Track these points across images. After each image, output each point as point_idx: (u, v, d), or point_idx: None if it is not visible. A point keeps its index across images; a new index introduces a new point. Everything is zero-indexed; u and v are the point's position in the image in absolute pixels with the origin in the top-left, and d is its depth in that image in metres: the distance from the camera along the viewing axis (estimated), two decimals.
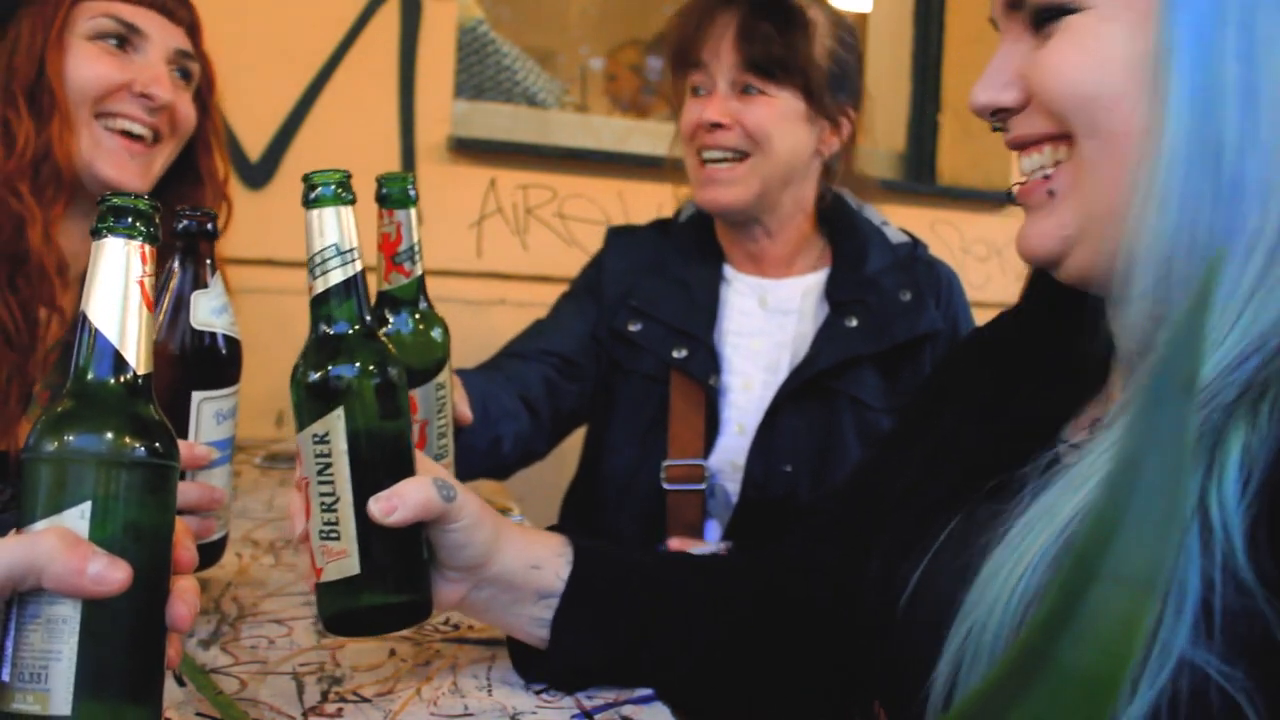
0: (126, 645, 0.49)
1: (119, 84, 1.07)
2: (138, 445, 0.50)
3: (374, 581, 0.64)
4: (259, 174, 1.86)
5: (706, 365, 1.26)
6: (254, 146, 1.85)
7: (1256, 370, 0.51)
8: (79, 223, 1.09)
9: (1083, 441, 0.62)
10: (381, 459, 0.65)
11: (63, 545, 0.47)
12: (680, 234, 1.38)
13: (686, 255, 1.35)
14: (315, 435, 0.64)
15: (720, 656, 0.77)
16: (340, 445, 0.63)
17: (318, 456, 0.64)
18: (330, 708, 0.67)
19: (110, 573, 0.47)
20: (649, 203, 2.01)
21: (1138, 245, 0.55)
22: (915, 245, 1.35)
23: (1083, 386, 0.67)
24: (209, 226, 0.80)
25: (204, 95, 1.19)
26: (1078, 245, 0.61)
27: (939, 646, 0.58)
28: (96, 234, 0.52)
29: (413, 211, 0.82)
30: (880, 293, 1.26)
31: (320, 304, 0.65)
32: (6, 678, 0.48)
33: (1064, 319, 0.69)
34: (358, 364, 0.64)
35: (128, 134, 1.08)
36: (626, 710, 0.70)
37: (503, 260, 2.04)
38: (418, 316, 0.84)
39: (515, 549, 0.71)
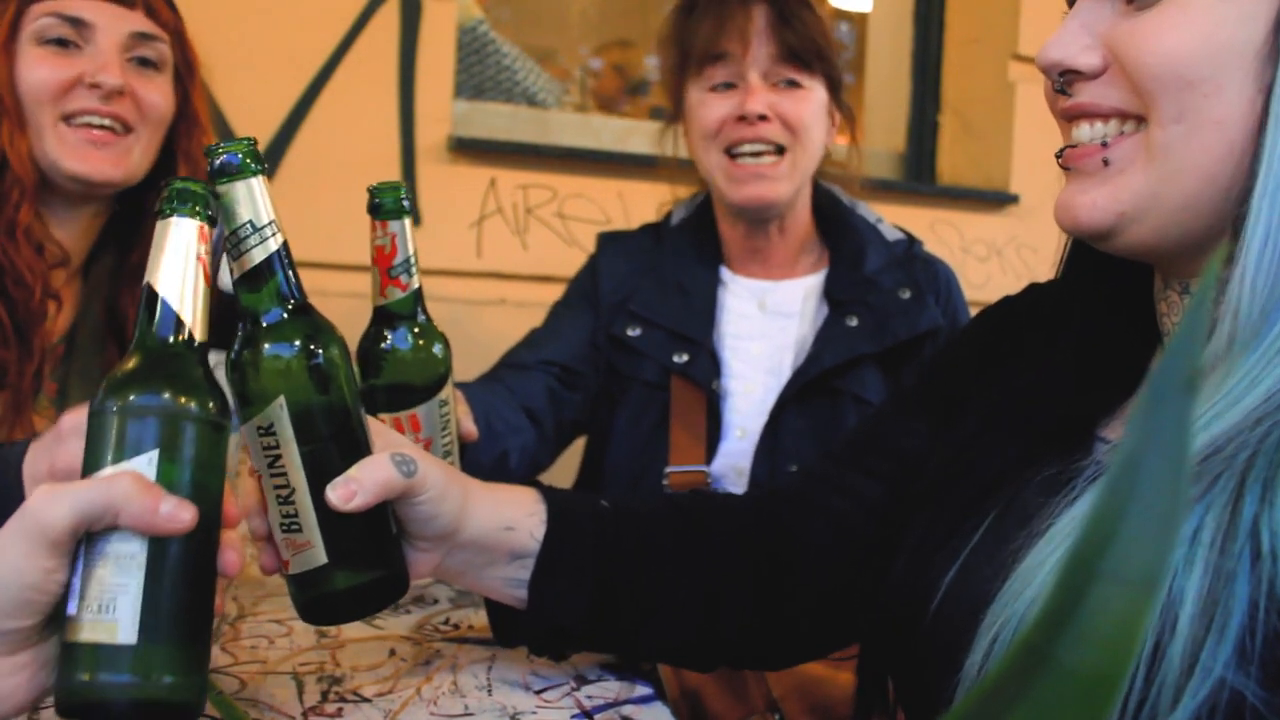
0: (186, 583, 0.53)
1: (68, 81, 1.04)
2: (200, 403, 0.55)
3: (343, 568, 0.62)
4: None
5: (708, 370, 1.24)
6: None
7: None
8: (71, 217, 1.09)
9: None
10: (332, 441, 0.61)
11: (138, 486, 0.51)
12: (674, 237, 1.35)
13: (682, 258, 1.32)
14: (259, 428, 0.60)
15: (714, 611, 0.75)
16: (287, 434, 0.60)
17: (266, 450, 0.61)
18: (330, 708, 0.67)
19: (179, 513, 0.51)
20: (649, 203, 2.01)
21: (1245, 249, 0.52)
22: (911, 243, 1.34)
23: (1122, 377, 0.65)
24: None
25: (184, 79, 1.15)
26: (1134, 223, 0.58)
27: (966, 647, 0.57)
28: (161, 214, 0.56)
29: (407, 222, 0.78)
30: (880, 291, 1.25)
31: (244, 286, 0.61)
32: (74, 611, 0.51)
33: (1106, 296, 0.66)
34: (293, 344, 0.61)
35: (89, 126, 1.06)
36: (626, 710, 0.70)
37: (503, 260, 2.04)
38: (417, 331, 0.81)
39: (486, 512, 0.69)
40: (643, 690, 0.74)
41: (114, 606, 0.51)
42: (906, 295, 1.25)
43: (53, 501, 0.50)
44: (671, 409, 1.24)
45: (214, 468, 0.55)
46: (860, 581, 0.76)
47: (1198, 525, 0.50)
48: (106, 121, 1.06)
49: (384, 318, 0.80)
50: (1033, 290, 0.78)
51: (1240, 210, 0.54)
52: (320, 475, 0.60)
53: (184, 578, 0.53)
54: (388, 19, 1.94)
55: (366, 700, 0.69)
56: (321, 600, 0.63)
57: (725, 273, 1.32)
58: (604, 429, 1.31)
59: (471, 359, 1.31)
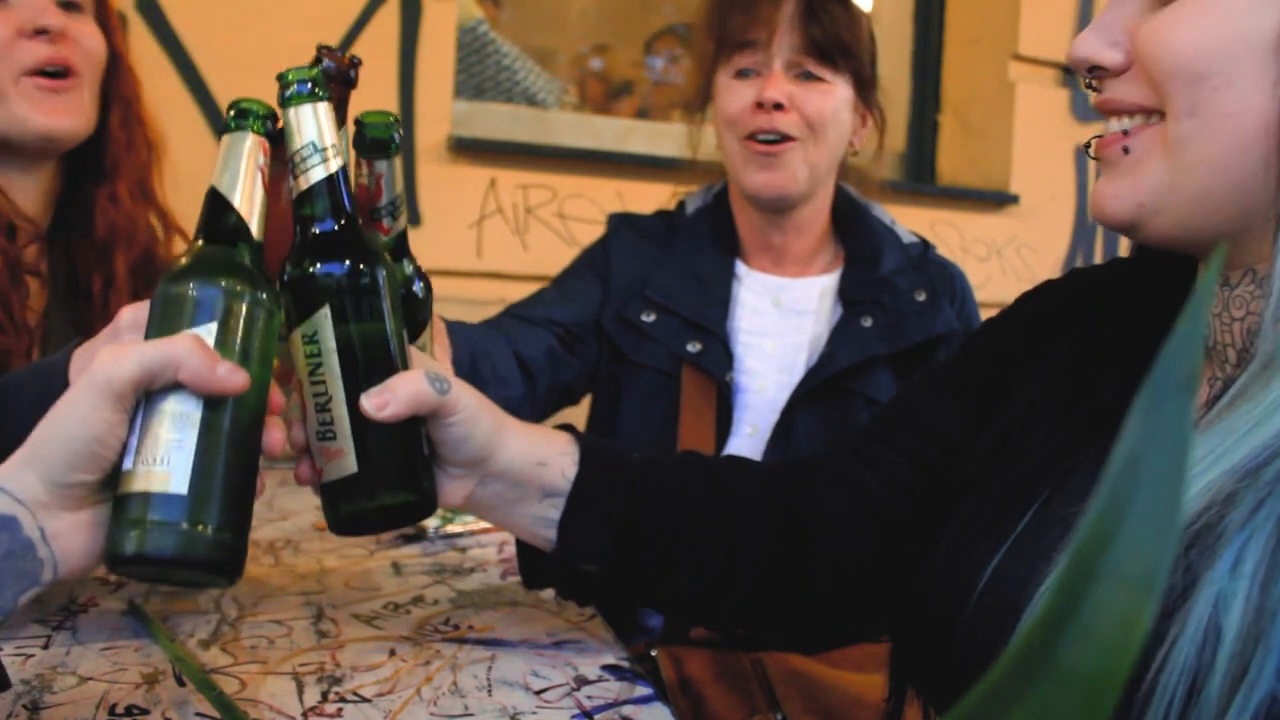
0: (235, 447, 0.57)
1: (8, 35, 1.02)
2: (254, 287, 0.60)
3: (373, 479, 0.64)
4: None
5: (722, 361, 1.23)
6: None
7: None
8: (30, 182, 1.07)
9: None
10: (372, 355, 0.64)
11: (198, 346, 0.55)
12: (691, 225, 1.34)
13: (698, 247, 1.31)
14: (304, 335, 0.64)
15: (732, 566, 0.75)
16: (329, 344, 0.64)
17: (309, 357, 0.64)
18: (330, 708, 0.67)
19: (234, 375, 0.56)
20: (648, 203, 2.00)
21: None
22: (926, 246, 1.34)
23: None
24: (351, 73, 0.74)
25: (104, 20, 1.13)
26: (1155, 215, 0.58)
27: (1008, 638, 0.56)
28: (226, 129, 0.63)
29: (397, 161, 0.74)
30: (895, 293, 1.25)
31: (303, 202, 0.65)
32: (129, 465, 0.55)
33: (1151, 285, 0.66)
34: (343, 261, 0.64)
35: (45, 75, 1.04)
36: (626, 710, 0.70)
37: (503, 260, 2.04)
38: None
39: (520, 444, 0.70)
40: (643, 690, 0.74)
41: (169, 459, 0.55)
42: (922, 298, 1.25)
43: (118, 357, 0.54)
44: (682, 399, 1.23)
45: (264, 351, 0.60)
46: (879, 557, 0.76)
47: (1238, 556, 0.48)
48: (60, 68, 1.05)
49: None
50: (1075, 276, 0.77)
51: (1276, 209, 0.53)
52: (357, 386, 0.63)
53: (234, 442, 0.57)
54: (388, 19, 1.94)
55: (366, 700, 0.69)
56: (352, 514, 0.65)
57: (740, 267, 1.31)
58: (609, 415, 1.29)
59: None
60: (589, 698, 0.72)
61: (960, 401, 0.76)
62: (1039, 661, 0.19)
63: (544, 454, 0.72)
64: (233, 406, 0.57)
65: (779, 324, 1.28)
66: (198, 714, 0.65)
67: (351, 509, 0.65)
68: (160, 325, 0.58)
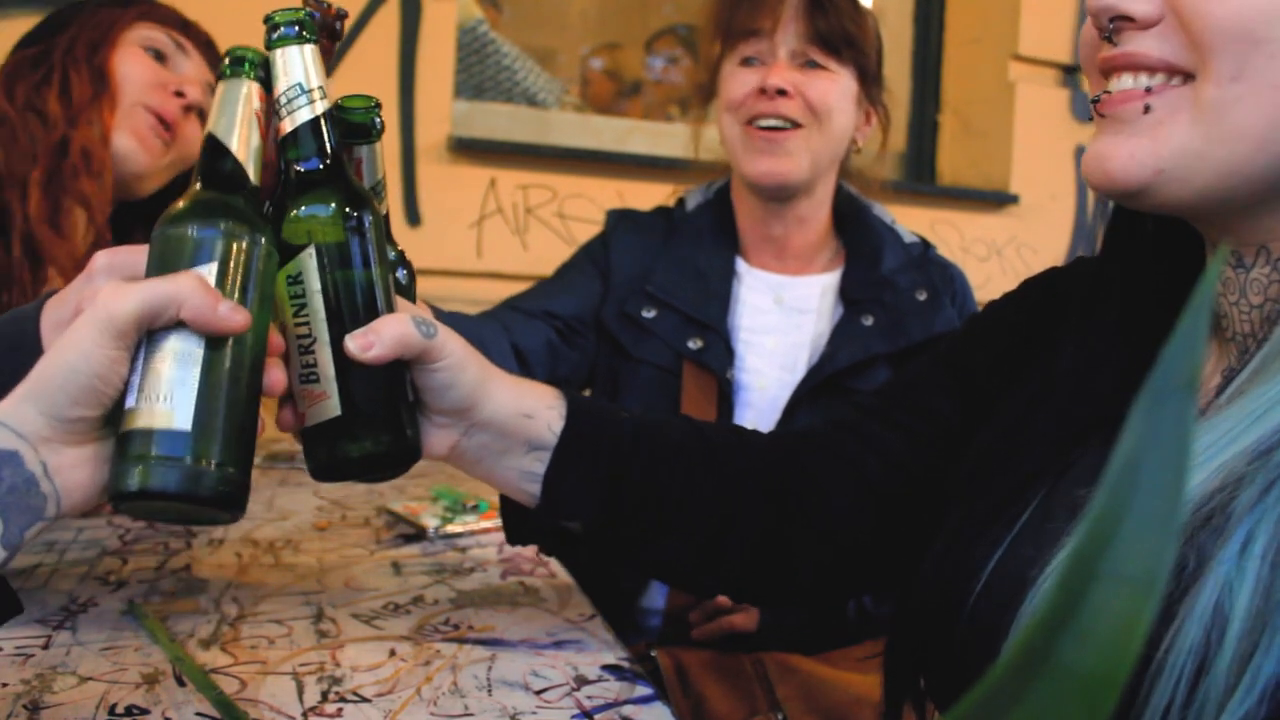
0: (236, 385, 0.58)
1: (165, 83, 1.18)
2: (253, 229, 0.60)
3: (356, 423, 0.63)
4: None
5: (723, 358, 1.23)
6: None
7: None
8: None
9: None
10: (357, 297, 0.64)
11: (200, 284, 0.56)
12: (691, 221, 1.34)
13: (699, 243, 1.31)
14: (289, 277, 0.64)
15: (722, 534, 0.75)
16: (314, 285, 0.63)
17: (293, 299, 0.64)
18: (330, 708, 0.67)
19: (235, 314, 0.56)
20: (649, 203, 2.00)
21: None
22: (926, 246, 1.34)
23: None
24: (336, 25, 0.75)
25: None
26: (1174, 182, 0.54)
27: (1007, 635, 0.55)
28: (222, 75, 0.64)
29: (378, 146, 0.73)
30: (896, 292, 1.25)
31: (289, 145, 0.65)
32: (132, 403, 0.55)
33: (1152, 273, 0.64)
34: (329, 203, 0.64)
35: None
36: (626, 710, 0.70)
37: (503, 260, 2.04)
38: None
39: (506, 395, 0.69)
40: (643, 690, 0.74)
41: (171, 396, 0.55)
42: (923, 297, 1.25)
43: (121, 293, 0.54)
44: (683, 396, 1.23)
45: (263, 292, 0.60)
46: (874, 535, 0.75)
47: (1247, 537, 0.47)
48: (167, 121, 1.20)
49: None
50: (1081, 264, 0.75)
51: None
52: (341, 328, 0.63)
53: (235, 379, 0.57)
54: (388, 19, 1.94)
55: (366, 700, 0.69)
56: (334, 459, 0.65)
57: (741, 264, 1.31)
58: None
59: None
60: (589, 698, 0.71)
61: (960, 384, 0.75)
62: (1039, 661, 0.19)
63: (531, 406, 0.71)
64: (234, 345, 0.57)
65: (780, 322, 1.28)
66: (198, 714, 0.65)
67: (334, 454, 0.64)
68: (160, 266, 0.58)
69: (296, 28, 0.64)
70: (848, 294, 1.26)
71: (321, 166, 0.65)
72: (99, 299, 0.55)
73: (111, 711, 0.64)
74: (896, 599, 0.72)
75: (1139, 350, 0.61)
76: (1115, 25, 0.56)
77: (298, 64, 0.64)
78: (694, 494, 0.75)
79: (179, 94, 1.19)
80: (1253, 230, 0.56)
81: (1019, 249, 2.54)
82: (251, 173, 0.63)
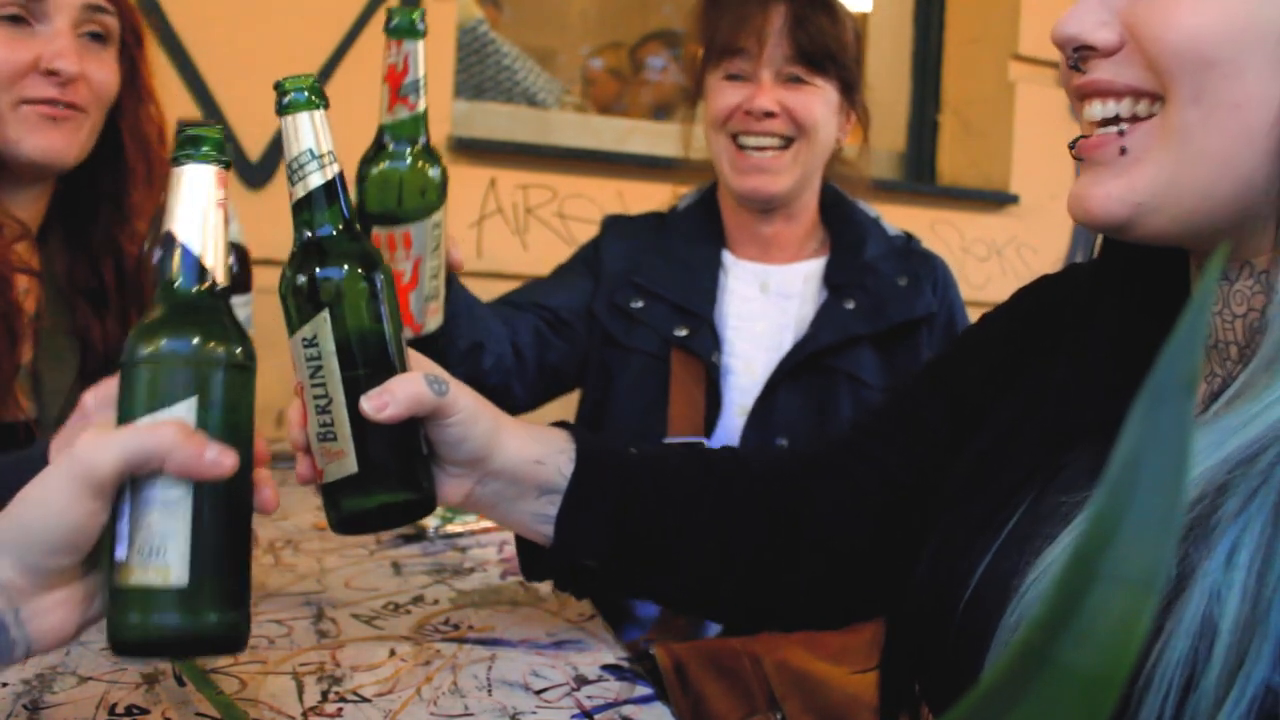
0: (230, 523, 0.55)
1: (24, 65, 1.00)
2: (230, 349, 0.56)
3: (373, 479, 0.66)
4: (259, 174, 1.86)
5: (708, 343, 1.28)
6: (254, 146, 1.85)
7: None
8: (21, 194, 1.06)
9: None
10: (371, 358, 0.66)
11: (183, 434, 0.52)
12: (680, 220, 1.40)
13: (687, 239, 1.37)
14: (304, 339, 0.65)
15: (726, 560, 0.77)
16: (329, 347, 0.65)
17: (308, 360, 0.65)
18: (330, 708, 0.67)
19: (223, 458, 0.53)
20: (649, 203, 2.00)
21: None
22: (910, 238, 1.39)
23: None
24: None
25: (130, 50, 1.11)
26: (1153, 214, 0.55)
27: (995, 634, 0.56)
28: (177, 162, 0.57)
29: (421, 44, 0.83)
30: (878, 277, 1.29)
31: (302, 209, 0.66)
32: (123, 556, 0.53)
33: (1143, 284, 0.64)
34: (342, 266, 0.65)
35: (44, 102, 1.02)
36: (626, 710, 0.70)
37: (503, 260, 2.04)
38: (417, 151, 0.86)
39: (517, 443, 0.72)
40: (643, 690, 0.74)
41: (164, 550, 0.53)
42: (904, 282, 1.30)
43: (100, 446, 0.51)
44: (671, 381, 1.28)
45: (246, 409, 0.58)
46: (872, 549, 0.76)
47: (1233, 547, 0.47)
48: (60, 104, 1.03)
49: (388, 136, 0.86)
50: (1073, 271, 0.76)
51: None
52: (356, 388, 0.65)
53: (228, 518, 0.55)
54: None
55: (366, 700, 0.69)
56: (352, 513, 0.67)
57: (728, 257, 1.36)
58: (602, 399, 1.33)
59: None
60: (589, 698, 0.71)
61: (954, 398, 0.76)
62: (1039, 661, 0.19)
63: (541, 452, 0.73)
64: (224, 482, 0.54)
65: (766, 307, 1.32)
66: (198, 714, 0.65)
67: (352, 508, 0.66)
68: (134, 403, 0.54)
69: (306, 93, 0.65)
70: (831, 279, 1.31)
71: (334, 232, 0.66)
72: (76, 449, 0.51)
73: (111, 711, 0.64)
74: (891, 604, 0.73)
75: (1130, 359, 0.62)
76: (1080, 55, 0.58)
77: (308, 130, 0.65)
78: (699, 525, 0.77)
79: (51, 73, 1.01)
80: (1237, 249, 0.57)
81: (1019, 249, 2.54)
82: (218, 272, 0.58)
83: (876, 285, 1.29)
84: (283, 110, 0.65)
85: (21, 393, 1.00)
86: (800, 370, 1.25)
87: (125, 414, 0.54)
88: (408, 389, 0.64)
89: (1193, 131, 0.53)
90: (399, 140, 0.85)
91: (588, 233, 2.06)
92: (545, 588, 0.95)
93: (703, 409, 1.26)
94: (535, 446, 0.73)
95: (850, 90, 1.29)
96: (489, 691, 0.71)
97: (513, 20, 2.61)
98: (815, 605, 0.81)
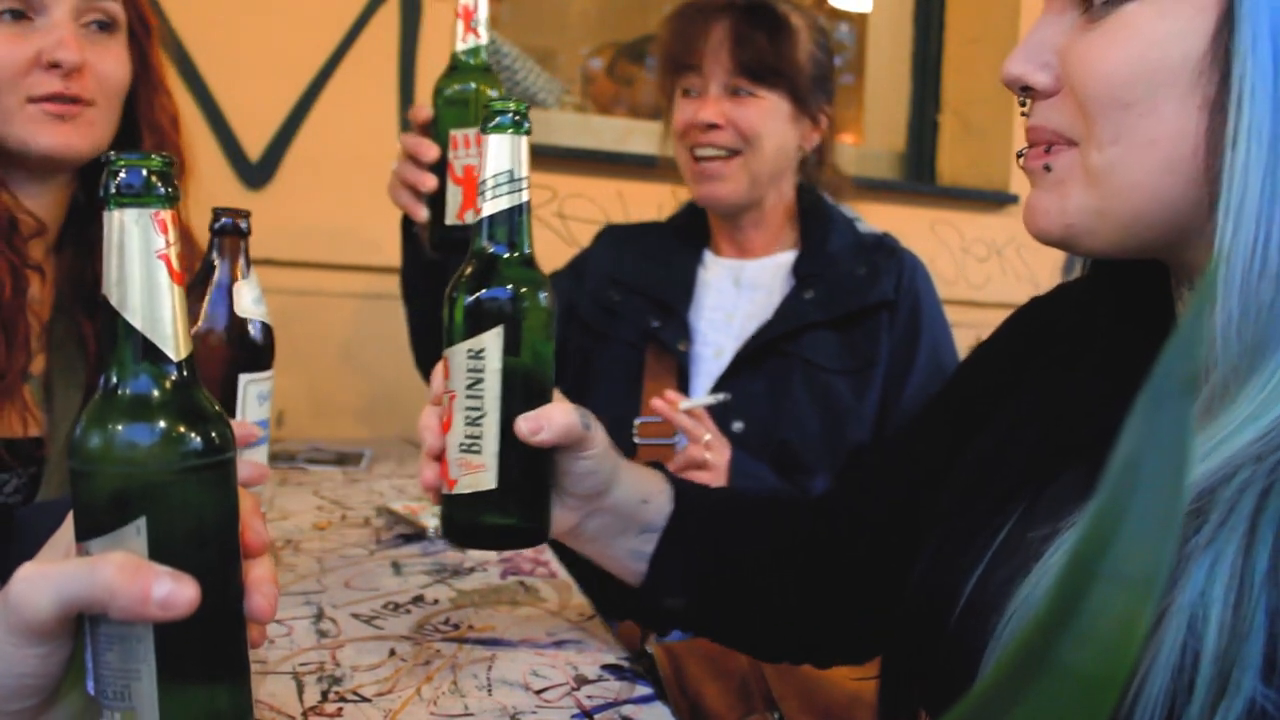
0: (205, 653, 0.47)
1: (27, 61, 0.98)
2: (188, 446, 0.46)
3: (508, 498, 0.68)
4: (259, 174, 1.85)
5: (678, 334, 1.38)
6: (254, 146, 1.85)
7: None
8: (41, 190, 1.05)
9: None
10: (533, 382, 0.68)
11: (122, 575, 0.43)
12: (669, 224, 1.51)
13: (672, 240, 1.48)
14: (470, 350, 0.67)
15: (782, 601, 0.80)
16: (495, 364, 0.67)
17: (470, 371, 0.67)
18: (330, 707, 0.67)
19: (177, 595, 0.44)
20: (649, 203, 2.01)
21: (1217, 263, 0.51)
22: (884, 237, 1.45)
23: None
24: (243, 225, 0.79)
25: (140, 39, 1.08)
26: (1086, 235, 0.58)
27: (986, 642, 0.56)
28: (105, 205, 0.45)
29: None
30: (838, 268, 1.37)
31: (486, 226, 0.68)
32: (94, 691, 0.46)
33: (1129, 297, 0.66)
34: (522, 287, 0.68)
35: (53, 99, 1.00)
36: (626, 710, 0.70)
37: None
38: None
39: (630, 481, 0.75)
40: (643, 690, 0.74)
41: (128, 693, 0.45)
42: (861, 272, 1.38)
43: (34, 590, 0.44)
44: (645, 370, 1.38)
45: (221, 505, 0.48)
46: (886, 584, 0.77)
47: (1208, 578, 0.47)
48: (67, 100, 1.01)
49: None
50: (1063, 290, 0.77)
51: (1210, 226, 0.52)
52: (512, 407, 0.67)
53: (202, 647, 0.47)
54: (388, 19, 1.94)
55: (366, 700, 0.69)
56: (476, 524, 0.68)
57: (708, 255, 1.47)
58: (584, 384, 1.44)
59: None
60: (589, 697, 0.72)
61: (952, 427, 0.78)
62: (1039, 661, 0.19)
63: (648, 491, 0.77)
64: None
65: (738, 299, 1.42)
66: None
67: (479, 522, 0.68)
68: (81, 518, 0.46)
69: (513, 115, 0.67)
70: (797, 272, 1.39)
71: (515, 254, 0.68)
72: (11, 593, 0.44)
73: None
74: (890, 612, 0.74)
75: (1119, 373, 0.63)
76: (1026, 94, 0.60)
77: (509, 152, 0.67)
78: (771, 566, 0.80)
79: (53, 65, 0.98)
80: (1191, 264, 0.58)
81: (1019, 249, 2.54)
82: (173, 345, 0.46)
83: (835, 275, 1.37)
84: (489, 129, 0.67)
85: (33, 404, 0.99)
86: (759, 356, 1.33)
87: (79, 529, 0.46)
88: (563, 419, 0.67)
89: (1115, 168, 0.55)
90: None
91: (588, 232, 2.06)
92: (546, 588, 0.95)
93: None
94: (644, 485, 0.77)
95: (804, 97, 1.36)
96: (489, 691, 0.71)
97: (513, 20, 2.61)
98: (851, 644, 0.84)
